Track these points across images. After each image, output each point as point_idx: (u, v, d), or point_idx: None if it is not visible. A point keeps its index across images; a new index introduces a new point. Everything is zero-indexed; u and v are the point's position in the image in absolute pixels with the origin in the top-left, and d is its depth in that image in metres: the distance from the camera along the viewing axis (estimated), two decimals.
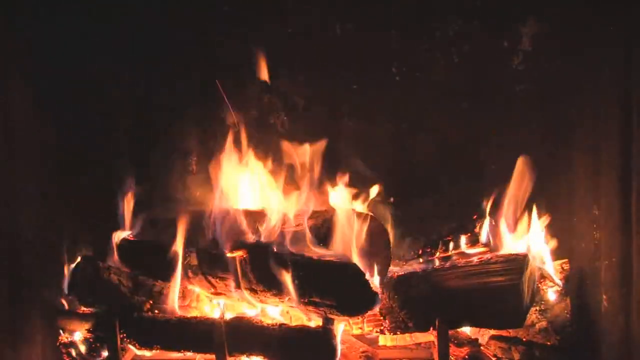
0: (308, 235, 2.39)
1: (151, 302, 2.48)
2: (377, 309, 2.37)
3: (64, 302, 2.57)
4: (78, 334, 2.48)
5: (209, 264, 2.44)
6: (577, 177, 2.59)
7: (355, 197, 2.61)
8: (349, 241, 2.40)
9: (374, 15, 2.68)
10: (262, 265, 2.35)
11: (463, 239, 2.61)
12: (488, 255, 2.44)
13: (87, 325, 2.45)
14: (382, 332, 2.44)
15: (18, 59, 2.47)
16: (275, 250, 2.38)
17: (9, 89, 2.43)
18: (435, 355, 2.35)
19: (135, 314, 2.44)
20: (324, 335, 2.26)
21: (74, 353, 2.49)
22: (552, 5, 2.61)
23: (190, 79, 2.75)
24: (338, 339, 2.28)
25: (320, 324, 2.30)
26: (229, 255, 2.38)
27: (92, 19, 2.67)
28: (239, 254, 2.37)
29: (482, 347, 2.46)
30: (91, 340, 2.45)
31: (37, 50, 2.55)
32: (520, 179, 2.53)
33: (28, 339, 2.47)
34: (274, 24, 2.70)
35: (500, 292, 2.32)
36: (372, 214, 2.48)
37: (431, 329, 2.35)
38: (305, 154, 2.63)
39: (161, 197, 2.72)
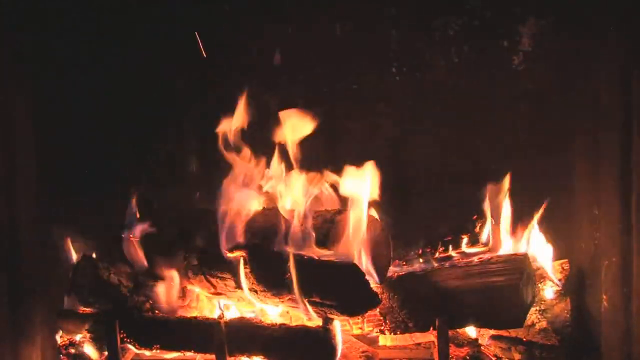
0: (309, 235, 2.39)
1: (151, 302, 2.48)
2: (377, 309, 2.38)
3: (64, 302, 2.57)
4: (78, 334, 2.48)
5: (209, 264, 2.44)
6: (577, 177, 2.59)
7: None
8: (349, 241, 2.40)
9: (374, 15, 2.68)
10: (262, 266, 2.35)
11: (463, 239, 2.61)
12: (488, 255, 2.44)
13: (87, 325, 2.45)
14: (382, 332, 2.44)
15: (19, 59, 2.48)
16: (275, 250, 2.38)
17: (9, 90, 2.43)
18: (435, 355, 2.35)
19: (135, 314, 2.44)
20: (324, 335, 2.26)
21: (73, 353, 2.49)
22: (551, 5, 2.62)
23: (190, 78, 2.75)
24: (338, 339, 2.28)
25: (320, 324, 2.30)
26: (229, 255, 2.38)
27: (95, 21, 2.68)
28: (239, 254, 2.37)
29: (482, 347, 2.46)
30: (91, 340, 2.45)
31: (39, 50, 2.56)
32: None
33: (28, 339, 2.48)
34: (273, 24, 2.70)
35: (500, 292, 2.32)
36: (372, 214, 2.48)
37: (431, 329, 2.35)
38: (305, 153, 2.63)
39: (163, 197, 2.72)
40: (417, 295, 2.39)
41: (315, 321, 2.36)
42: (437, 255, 2.59)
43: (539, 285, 2.49)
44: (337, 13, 2.69)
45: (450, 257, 2.57)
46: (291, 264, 2.28)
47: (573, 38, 2.55)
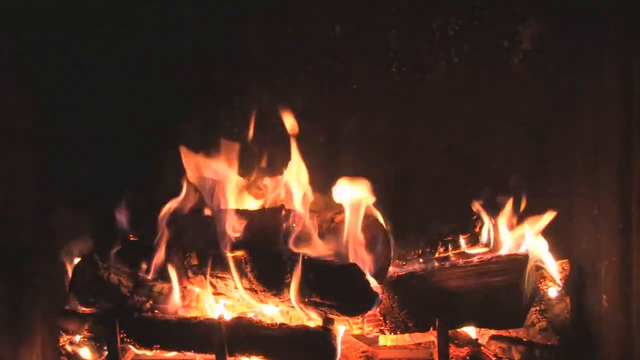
0: (310, 235, 2.39)
1: (151, 302, 2.48)
2: (377, 309, 2.38)
3: (64, 302, 2.57)
4: (78, 335, 2.48)
5: (209, 264, 2.44)
6: (576, 177, 2.59)
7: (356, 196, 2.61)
8: (349, 241, 2.40)
9: (374, 15, 2.68)
10: (262, 265, 2.35)
11: (463, 239, 2.61)
12: (488, 255, 2.44)
13: (87, 325, 2.46)
14: (382, 332, 2.44)
15: (19, 59, 2.48)
16: (275, 250, 2.38)
17: (9, 90, 2.43)
18: (435, 355, 2.35)
19: (135, 314, 2.44)
20: (324, 335, 2.26)
21: (73, 353, 2.49)
22: (552, 5, 2.62)
23: (190, 78, 2.75)
24: (338, 339, 2.29)
25: (320, 324, 2.30)
26: (229, 255, 2.38)
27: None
28: (239, 253, 2.37)
29: (482, 347, 2.47)
30: (91, 340, 2.45)
31: (39, 50, 2.56)
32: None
33: (28, 339, 2.48)
34: (274, 24, 2.71)
35: (500, 292, 2.32)
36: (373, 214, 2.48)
37: (431, 329, 2.35)
38: (306, 154, 2.63)
39: (163, 197, 2.72)
40: (417, 295, 2.39)
41: (315, 321, 2.36)
42: (437, 255, 2.59)
43: (539, 285, 2.49)
44: (337, 13, 2.68)
45: (450, 257, 2.57)
46: (291, 264, 2.28)
47: (573, 37, 2.55)
